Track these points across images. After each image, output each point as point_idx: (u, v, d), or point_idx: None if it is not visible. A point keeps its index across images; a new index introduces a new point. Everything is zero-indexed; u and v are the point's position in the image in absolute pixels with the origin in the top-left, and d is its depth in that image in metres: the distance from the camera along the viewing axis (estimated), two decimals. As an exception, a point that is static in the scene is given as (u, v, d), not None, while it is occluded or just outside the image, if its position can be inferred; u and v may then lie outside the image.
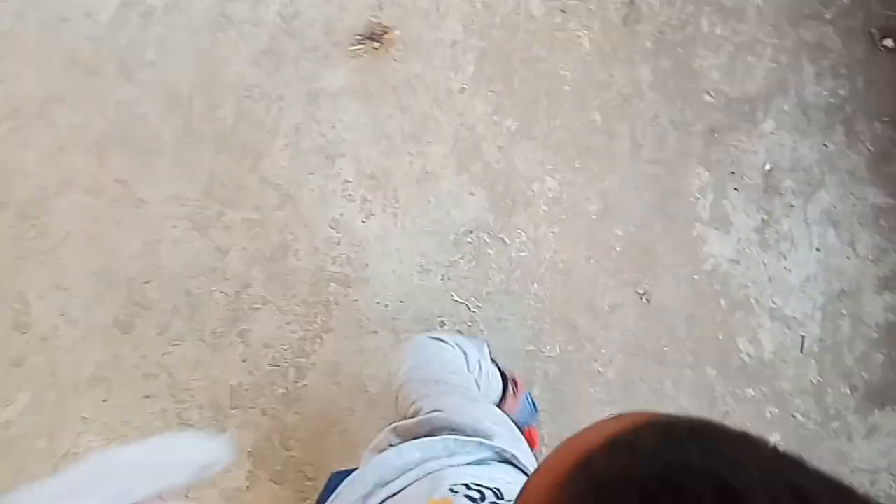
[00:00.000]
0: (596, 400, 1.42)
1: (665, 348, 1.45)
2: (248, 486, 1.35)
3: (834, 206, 1.52)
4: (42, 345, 1.36)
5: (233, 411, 1.37)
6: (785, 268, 1.50)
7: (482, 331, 1.44)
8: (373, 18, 1.53)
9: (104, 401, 1.34)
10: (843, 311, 1.49)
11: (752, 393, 1.44)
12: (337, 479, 0.72)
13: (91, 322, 1.38)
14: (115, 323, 1.38)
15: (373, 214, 1.47)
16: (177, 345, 1.38)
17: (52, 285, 1.40)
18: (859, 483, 1.43)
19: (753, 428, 1.40)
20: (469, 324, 1.44)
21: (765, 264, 1.50)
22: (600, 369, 1.44)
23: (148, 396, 1.36)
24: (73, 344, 1.36)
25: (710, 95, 1.55)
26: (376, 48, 1.52)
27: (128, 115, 1.48)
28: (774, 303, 1.48)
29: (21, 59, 1.44)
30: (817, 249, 1.51)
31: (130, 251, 1.43)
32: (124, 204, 1.46)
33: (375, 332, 1.43)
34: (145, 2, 1.48)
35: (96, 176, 1.46)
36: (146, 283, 1.41)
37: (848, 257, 1.51)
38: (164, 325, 1.39)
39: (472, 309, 1.45)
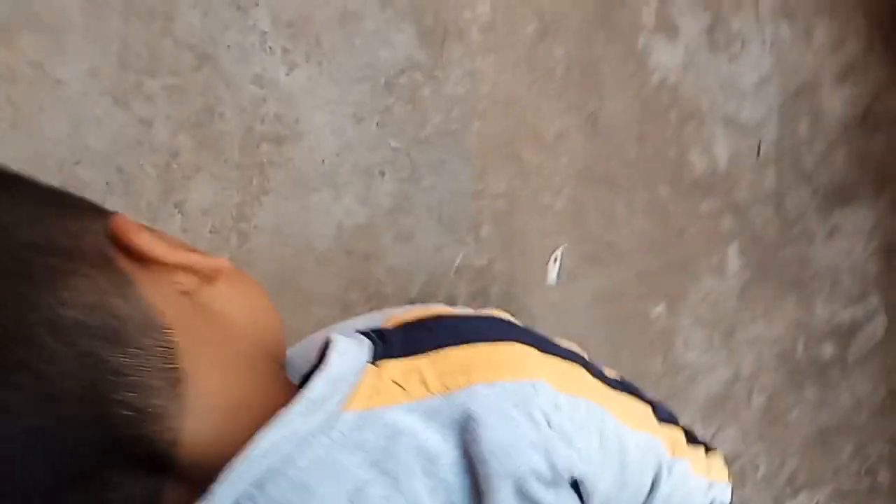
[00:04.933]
0: (547, 232, 1.32)
1: (615, 171, 1.33)
2: (207, 351, 1.30)
3: (789, -2, 1.34)
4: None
5: (181, 281, 1.30)
6: (737, 70, 1.34)
7: (425, 176, 1.33)
8: None
9: (50, 284, 1.28)
10: (801, 110, 1.35)
11: (708, 206, 1.33)
12: None
13: (26, 209, 1.30)
14: (50, 208, 1.30)
15: (297, 65, 1.33)
16: (114, 222, 1.30)
17: (-18, 177, 1.31)
18: (820, 287, 1.34)
19: (711, 241, 1.31)
20: (410, 169, 1.33)
21: (716, 69, 1.34)
22: (549, 201, 1.33)
23: (94, 276, 1.29)
24: (12, 233, 1.29)
25: None
26: None
27: (30, -8, 1.33)
28: (727, 109, 1.34)
29: None
30: (771, 45, 1.34)
31: (56, 134, 1.32)
32: (42, 87, 1.33)
33: (315, 189, 1.32)
34: None
35: (9, 62, 1.32)
36: (76, 163, 1.31)
37: (803, 52, 1.35)
38: (100, 204, 1.30)
39: (412, 154, 1.33)
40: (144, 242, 0.42)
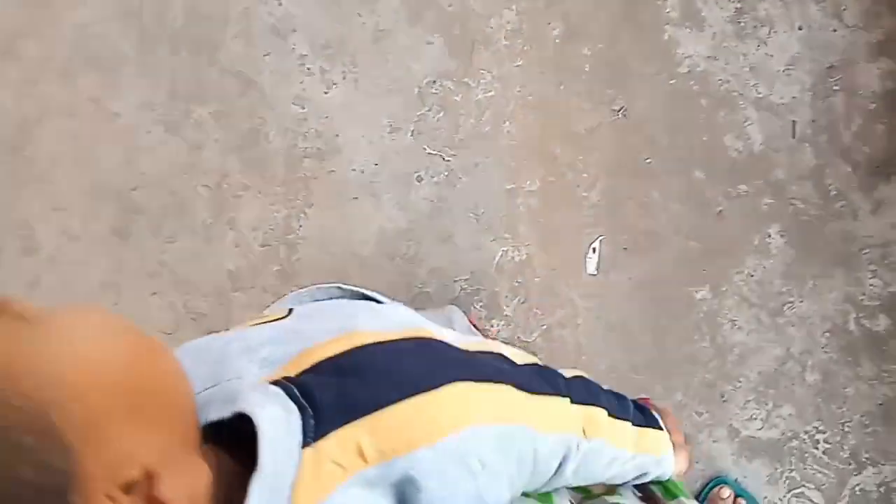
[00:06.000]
0: (583, 224, 1.33)
1: (648, 160, 1.33)
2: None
3: (814, -22, 1.33)
4: (51, 264, 1.36)
5: (235, 294, 1.36)
6: (766, 54, 1.33)
7: (460, 178, 1.36)
8: None
9: (115, 304, 1.34)
10: (835, 87, 1.32)
11: (746, 188, 1.32)
12: None
13: (91, 235, 1.38)
14: (113, 232, 1.38)
15: (334, 84, 1.39)
16: (172, 242, 1.36)
17: (50, 208, 1.39)
18: (869, 260, 1.31)
19: (751, 222, 1.29)
20: (446, 173, 1.36)
21: (744, 55, 1.34)
22: (584, 194, 1.34)
23: (155, 293, 1.36)
24: (79, 258, 1.36)
25: None
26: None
27: (88, 36, 1.43)
28: (759, 92, 1.33)
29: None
30: (800, 28, 1.33)
31: (113, 164, 1.40)
32: (100, 121, 1.42)
33: (356, 199, 1.37)
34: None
35: (70, 100, 1.42)
36: (133, 190, 1.39)
37: (835, 29, 1.33)
38: (157, 227, 1.37)
39: (446, 158, 1.37)
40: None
